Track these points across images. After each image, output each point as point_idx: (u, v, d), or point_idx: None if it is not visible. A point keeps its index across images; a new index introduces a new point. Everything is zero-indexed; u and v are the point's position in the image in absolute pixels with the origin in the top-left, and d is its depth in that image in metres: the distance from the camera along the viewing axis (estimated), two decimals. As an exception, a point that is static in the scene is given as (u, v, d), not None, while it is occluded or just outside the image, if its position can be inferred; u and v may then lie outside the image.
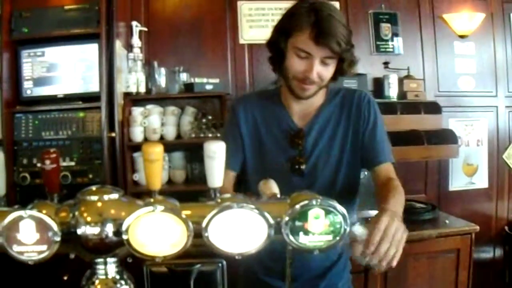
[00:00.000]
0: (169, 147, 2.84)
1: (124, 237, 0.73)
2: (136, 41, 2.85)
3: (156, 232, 0.73)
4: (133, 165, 2.77)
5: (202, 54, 3.04)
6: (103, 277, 0.81)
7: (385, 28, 3.24)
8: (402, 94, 3.10)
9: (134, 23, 2.86)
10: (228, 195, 0.79)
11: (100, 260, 0.81)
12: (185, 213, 0.74)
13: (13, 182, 2.52)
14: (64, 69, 2.62)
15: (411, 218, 2.75)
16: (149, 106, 2.78)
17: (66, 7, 2.58)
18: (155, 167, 0.88)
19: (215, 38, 3.06)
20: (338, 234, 0.73)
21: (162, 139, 2.75)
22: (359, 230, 1.06)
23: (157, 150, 0.88)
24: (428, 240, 2.59)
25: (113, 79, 2.50)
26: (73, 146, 2.57)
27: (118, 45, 2.56)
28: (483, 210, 3.42)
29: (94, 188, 0.82)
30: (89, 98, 2.58)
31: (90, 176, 2.55)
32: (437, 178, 3.35)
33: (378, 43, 3.23)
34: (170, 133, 2.78)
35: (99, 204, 0.79)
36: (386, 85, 3.10)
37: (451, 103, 3.30)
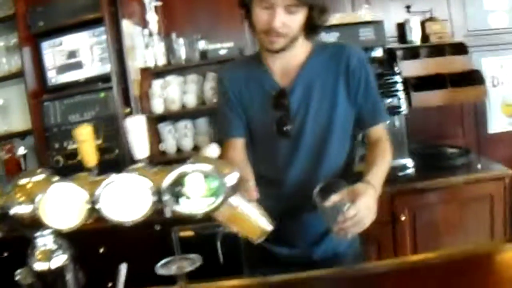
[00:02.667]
0: (192, 114, 2.92)
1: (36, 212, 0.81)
2: (151, 16, 2.86)
3: (61, 205, 0.81)
4: (158, 136, 2.89)
5: (218, 18, 2.98)
6: (43, 248, 0.91)
7: (407, -33, 3.05)
8: (425, 38, 2.95)
9: (147, 0, 2.90)
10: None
11: (38, 233, 0.91)
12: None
13: (49, 166, 2.71)
14: (82, 55, 2.77)
15: (439, 164, 2.65)
16: (168, 78, 2.86)
17: (74, -4, 2.71)
18: (85, 146, 0.97)
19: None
20: (219, 195, 0.75)
21: (183, 107, 2.82)
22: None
23: (84, 132, 0.96)
24: (457, 187, 2.46)
25: (123, 57, 2.61)
26: (99, 125, 2.69)
27: (126, 24, 2.64)
28: (526, 151, 3.21)
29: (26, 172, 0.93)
30: (108, 78, 2.69)
31: (117, 151, 2.68)
32: (474, 121, 3.18)
33: (399, -15, 3.06)
34: (191, 100, 2.82)
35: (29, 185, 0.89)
36: (408, 30, 2.96)
37: (482, 42, 3.06)
